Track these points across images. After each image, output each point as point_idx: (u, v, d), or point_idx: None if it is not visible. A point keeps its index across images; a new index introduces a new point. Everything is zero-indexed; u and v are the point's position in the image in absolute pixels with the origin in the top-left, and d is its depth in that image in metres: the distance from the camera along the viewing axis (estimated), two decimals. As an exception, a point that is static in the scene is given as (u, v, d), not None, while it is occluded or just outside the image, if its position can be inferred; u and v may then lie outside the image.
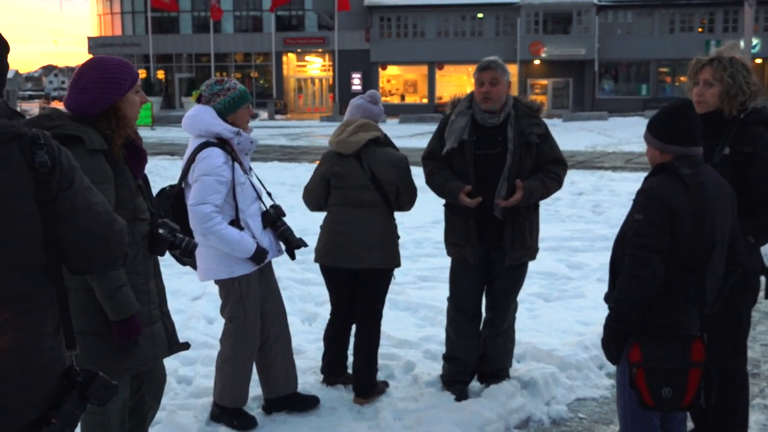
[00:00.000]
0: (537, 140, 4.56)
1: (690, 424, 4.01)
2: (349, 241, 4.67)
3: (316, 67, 53.67)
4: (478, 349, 4.90)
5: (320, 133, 31.88)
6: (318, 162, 4.97)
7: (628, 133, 28.98)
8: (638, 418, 3.28)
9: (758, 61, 43.25)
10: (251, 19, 54.13)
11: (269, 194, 4.60)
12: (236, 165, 4.20)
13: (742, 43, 16.87)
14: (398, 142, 5.21)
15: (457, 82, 46.60)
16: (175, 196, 4.21)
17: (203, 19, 52.77)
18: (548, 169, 4.61)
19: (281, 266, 6.96)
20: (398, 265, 4.84)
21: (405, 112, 42.19)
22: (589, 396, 4.97)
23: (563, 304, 6.85)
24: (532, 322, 6.20)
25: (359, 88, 47.25)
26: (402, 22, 49.92)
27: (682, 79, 46.46)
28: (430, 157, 4.75)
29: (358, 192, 4.67)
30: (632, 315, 3.14)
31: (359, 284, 4.78)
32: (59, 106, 3.32)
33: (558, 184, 4.66)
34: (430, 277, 7.75)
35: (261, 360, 4.53)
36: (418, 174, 4.69)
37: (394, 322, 6.13)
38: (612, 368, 4.78)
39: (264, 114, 44.71)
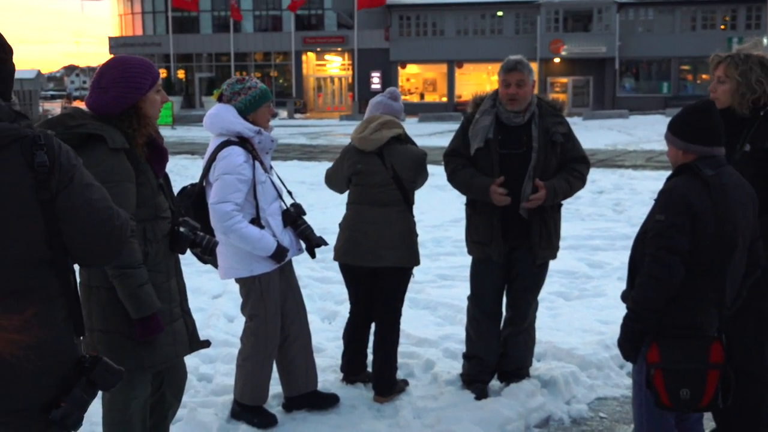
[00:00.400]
0: (561, 139, 4.54)
1: (711, 424, 3.98)
2: (369, 239, 4.67)
3: (335, 66, 53.73)
4: (499, 347, 4.88)
5: (340, 132, 31.91)
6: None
7: (649, 132, 28.77)
8: (654, 418, 3.27)
9: (781, 58, 42.78)
10: (271, 19, 54.29)
11: (289, 193, 4.61)
12: (257, 164, 4.21)
13: (765, 40, 16.69)
14: (418, 141, 5.20)
15: (476, 81, 46.47)
16: (196, 195, 4.23)
17: (223, 19, 52.98)
18: (572, 167, 4.59)
19: (301, 265, 6.97)
20: (417, 263, 4.83)
21: (424, 111, 42.10)
22: (610, 395, 4.95)
23: (584, 303, 6.82)
24: (552, 321, 6.18)
25: (378, 86, 47.25)
26: (421, 21, 49.86)
27: (703, 76, 46.14)
28: (453, 155, 4.72)
29: (379, 190, 4.67)
30: (650, 315, 3.13)
31: (378, 283, 4.79)
32: (81, 105, 3.35)
33: (582, 182, 4.65)
34: (449, 276, 7.73)
35: (281, 358, 4.54)
36: (435, 173, 4.68)
37: (413, 321, 6.12)
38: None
39: (283, 113, 44.81)
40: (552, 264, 4.89)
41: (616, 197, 13.03)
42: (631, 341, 3.20)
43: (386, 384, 4.78)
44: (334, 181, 4.95)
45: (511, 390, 4.74)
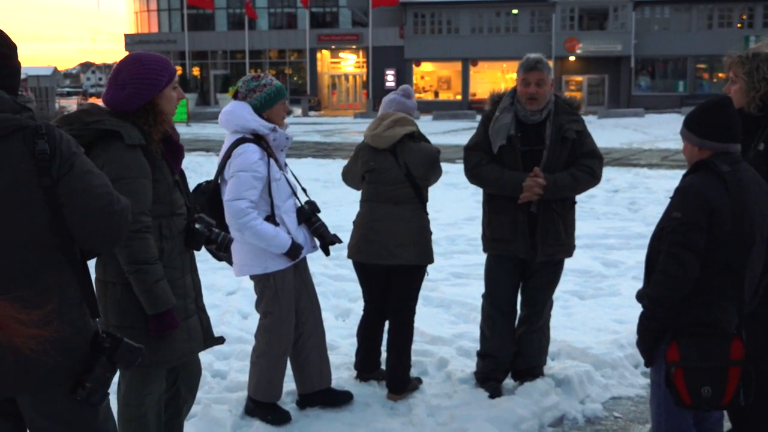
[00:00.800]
0: (574, 135, 4.52)
1: (727, 424, 3.96)
2: (383, 237, 4.67)
3: (350, 63, 53.77)
4: (513, 346, 4.87)
5: (354, 130, 31.91)
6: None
7: (665, 130, 28.63)
8: (673, 417, 3.25)
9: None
10: (286, 16, 54.38)
11: (304, 190, 4.61)
12: (272, 161, 4.22)
13: (782, 39, 16.56)
14: (432, 139, 5.19)
15: (491, 79, 46.43)
16: (211, 192, 4.24)
17: (238, 16, 53.12)
18: (580, 162, 4.55)
19: (315, 262, 6.98)
20: (431, 261, 4.83)
21: (439, 109, 42.07)
22: (624, 395, 4.93)
23: (598, 302, 6.80)
24: (566, 320, 6.17)
25: (393, 84, 47.26)
26: (436, 19, 49.82)
27: (720, 75, 45.84)
28: (475, 148, 4.66)
29: (392, 187, 4.67)
30: (665, 313, 3.11)
31: (392, 280, 4.78)
32: (97, 102, 3.37)
33: (591, 176, 4.57)
34: (463, 274, 7.72)
35: (295, 355, 4.55)
36: (449, 171, 4.66)
37: (427, 319, 6.12)
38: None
39: (298, 110, 44.91)
40: (567, 263, 4.87)
41: (631, 196, 12.99)
42: (647, 340, 3.18)
43: (400, 382, 4.78)
44: (349, 177, 4.97)
45: (525, 389, 4.73)
